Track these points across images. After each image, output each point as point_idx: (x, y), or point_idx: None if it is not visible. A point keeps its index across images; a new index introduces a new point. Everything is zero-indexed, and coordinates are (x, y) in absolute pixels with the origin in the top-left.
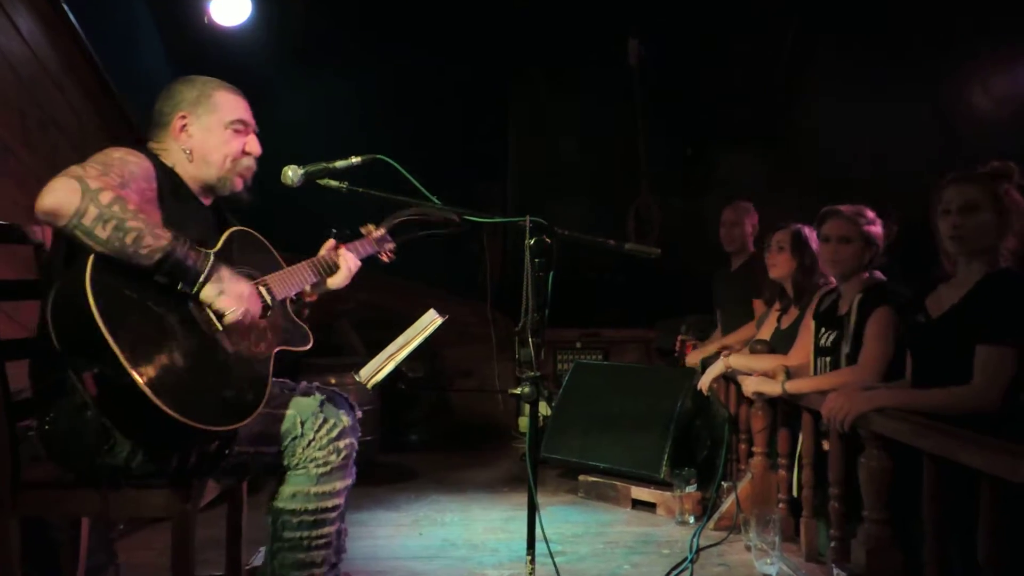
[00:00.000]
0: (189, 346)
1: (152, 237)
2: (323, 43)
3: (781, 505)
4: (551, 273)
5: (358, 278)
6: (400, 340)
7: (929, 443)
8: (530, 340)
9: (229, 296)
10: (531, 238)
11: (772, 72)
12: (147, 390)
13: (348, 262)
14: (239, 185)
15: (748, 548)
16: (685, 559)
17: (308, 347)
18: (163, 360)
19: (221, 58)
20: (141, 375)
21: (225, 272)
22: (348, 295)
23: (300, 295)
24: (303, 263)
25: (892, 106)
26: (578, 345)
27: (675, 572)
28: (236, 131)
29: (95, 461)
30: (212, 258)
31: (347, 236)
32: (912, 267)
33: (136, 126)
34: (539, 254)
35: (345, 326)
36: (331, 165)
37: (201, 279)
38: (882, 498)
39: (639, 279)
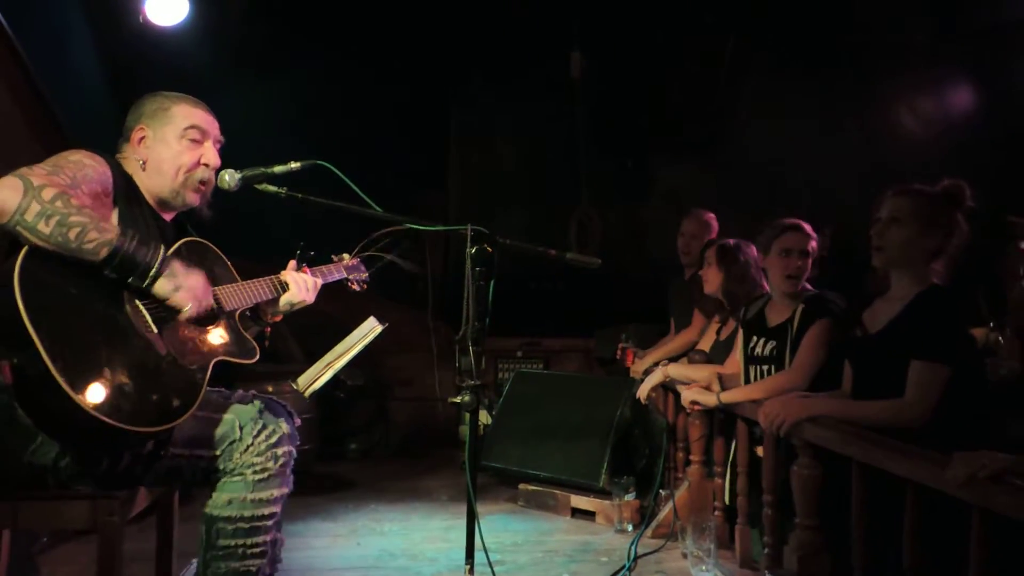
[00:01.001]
0: (119, 344)
1: (97, 231)
2: (261, 47)
3: (717, 513)
4: (492, 282)
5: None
6: (339, 348)
7: (856, 451)
8: (471, 349)
9: (185, 291)
10: (472, 246)
11: (710, 87)
12: (62, 380)
13: (298, 280)
14: (195, 200)
15: (685, 555)
16: (623, 567)
17: (252, 361)
18: (86, 354)
19: (156, 59)
20: (58, 366)
21: (177, 265)
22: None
23: (261, 316)
24: (258, 279)
25: (824, 122)
26: (519, 354)
27: None
28: (193, 140)
29: (21, 460)
30: (163, 250)
31: (311, 258)
32: (841, 281)
33: (64, 127)
34: (480, 263)
35: (283, 332)
36: (269, 170)
37: (153, 272)
38: (813, 505)
39: (580, 288)
